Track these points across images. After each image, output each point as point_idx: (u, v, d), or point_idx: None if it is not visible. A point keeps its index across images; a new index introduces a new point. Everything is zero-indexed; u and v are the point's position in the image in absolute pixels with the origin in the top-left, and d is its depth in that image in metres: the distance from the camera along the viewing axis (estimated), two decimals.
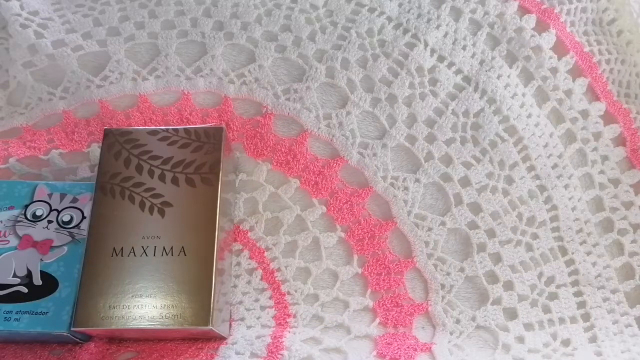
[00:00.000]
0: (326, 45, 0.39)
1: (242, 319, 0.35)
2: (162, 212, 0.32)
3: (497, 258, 0.36)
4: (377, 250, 0.36)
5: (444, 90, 0.38)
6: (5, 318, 0.31)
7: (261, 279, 0.36)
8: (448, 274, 0.36)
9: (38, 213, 0.34)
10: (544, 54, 0.38)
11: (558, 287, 0.36)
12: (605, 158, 0.38)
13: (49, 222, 0.34)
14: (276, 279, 0.36)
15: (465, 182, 0.37)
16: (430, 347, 0.34)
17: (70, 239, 0.33)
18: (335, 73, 0.38)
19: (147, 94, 0.38)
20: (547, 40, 0.39)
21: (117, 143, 0.34)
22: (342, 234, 0.37)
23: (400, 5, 0.39)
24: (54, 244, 0.33)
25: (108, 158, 0.34)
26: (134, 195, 0.33)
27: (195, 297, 0.30)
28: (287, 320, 0.34)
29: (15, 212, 0.34)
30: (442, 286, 0.36)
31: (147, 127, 0.36)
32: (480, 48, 0.39)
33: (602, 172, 0.38)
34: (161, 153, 0.34)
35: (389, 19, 0.39)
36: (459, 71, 0.38)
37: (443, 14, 0.39)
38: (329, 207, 0.37)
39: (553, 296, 0.36)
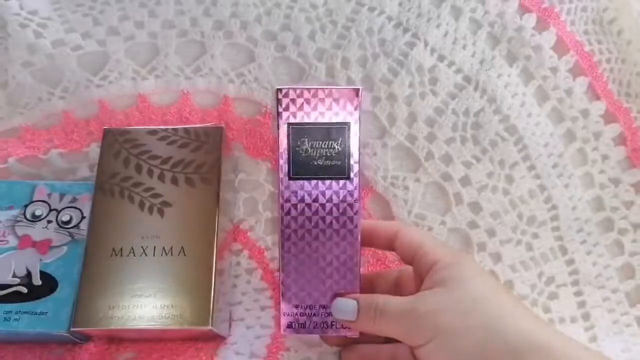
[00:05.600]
0: (326, 44, 0.39)
1: (242, 319, 0.34)
2: (161, 212, 0.32)
3: (497, 257, 0.36)
4: (377, 250, 0.36)
5: (444, 90, 0.38)
6: (4, 318, 0.31)
7: (261, 279, 0.36)
8: None
9: (37, 213, 0.34)
10: (544, 53, 0.38)
11: (558, 286, 0.36)
12: (605, 157, 0.38)
13: (49, 222, 0.34)
14: (276, 279, 0.36)
15: (465, 181, 0.37)
16: None
17: (69, 239, 0.33)
18: (335, 72, 0.38)
19: (147, 94, 0.38)
20: (548, 39, 0.39)
21: (117, 143, 0.34)
22: None
23: (400, 4, 0.39)
24: (53, 244, 0.33)
25: (107, 158, 0.34)
26: (133, 195, 0.33)
27: (195, 297, 0.30)
28: None
29: (15, 212, 0.34)
30: None
31: (146, 127, 0.36)
32: (480, 47, 0.39)
33: (602, 171, 0.38)
34: (160, 153, 0.34)
35: (389, 18, 0.39)
36: (459, 70, 0.38)
37: (443, 13, 0.39)
38: None
39: (553, 296, 0.36)
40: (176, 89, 0.38)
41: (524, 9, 0.39)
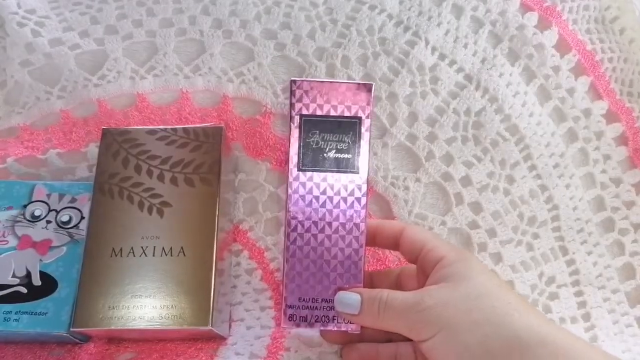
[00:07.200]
0: (326, 43, 0.38)
1: (242, 320, 0.34)
2: (161, 212, 0.32)
3: (497, 258, 0.36)
4: (377, 250, 0.36)
5: (445, 89, 0.38)
6: (4, 318, 0.31)
7: (261, 280, 0.36)
8: None
9: (37, 213, 0.34)
10: (546, 52, 0.38)
11: (559, 287, 0.36)
12: (607, 157, 0.38)
13: (48, 222, 0.34)
14: (276, 279, 0.36)
15: (466, 181, 0.37)
16: None
17: (69, 239, 0.33)
18: (335, 71, 0.38)
19: (146, 93, 0.38)
20: (549, 38, 0.38)
21: (116, 143, 0.34)
22: None
23: (401, 2, 0.39)
24: (52, 244, 0.33)
25: (106, 158, 0.34)
26: (132, 195, 0.33)
27: (195, 298, 0.30)
28: None
29: (14, 212, 0.34)
30: None
31: (145, 127, 0.36)
32: (481, 46, 0.38)
33: (603, 171, 0.38)
34: (160, 153, 0.34)
35: (390, 16, 0.39)
36: (460, 69, 0.38)
37: (444, 11, 0.39)
38: None
39: (554, 296, 0.36)
40: (175, 89, 0.38)
41: (525, 8, 0.39)
